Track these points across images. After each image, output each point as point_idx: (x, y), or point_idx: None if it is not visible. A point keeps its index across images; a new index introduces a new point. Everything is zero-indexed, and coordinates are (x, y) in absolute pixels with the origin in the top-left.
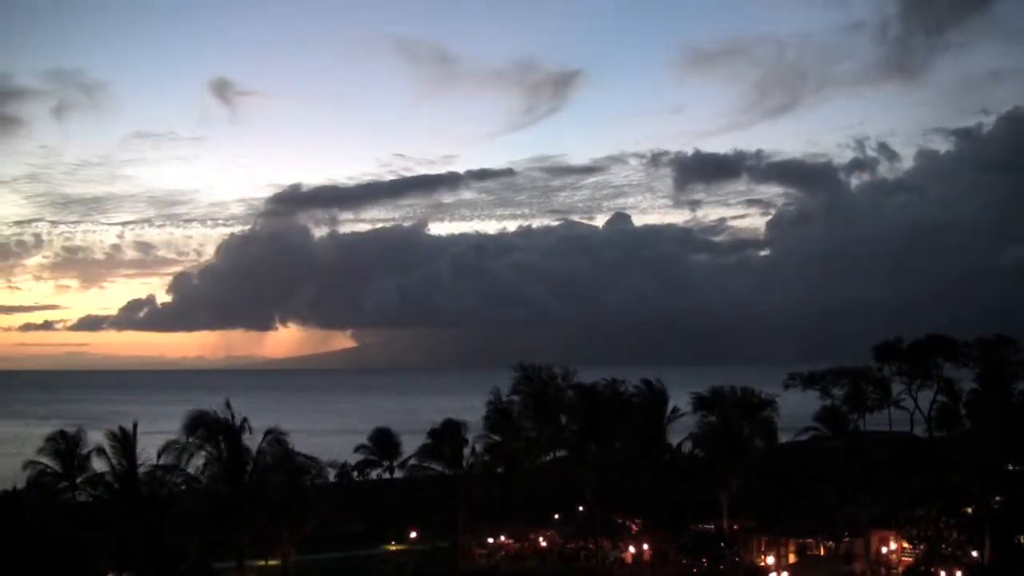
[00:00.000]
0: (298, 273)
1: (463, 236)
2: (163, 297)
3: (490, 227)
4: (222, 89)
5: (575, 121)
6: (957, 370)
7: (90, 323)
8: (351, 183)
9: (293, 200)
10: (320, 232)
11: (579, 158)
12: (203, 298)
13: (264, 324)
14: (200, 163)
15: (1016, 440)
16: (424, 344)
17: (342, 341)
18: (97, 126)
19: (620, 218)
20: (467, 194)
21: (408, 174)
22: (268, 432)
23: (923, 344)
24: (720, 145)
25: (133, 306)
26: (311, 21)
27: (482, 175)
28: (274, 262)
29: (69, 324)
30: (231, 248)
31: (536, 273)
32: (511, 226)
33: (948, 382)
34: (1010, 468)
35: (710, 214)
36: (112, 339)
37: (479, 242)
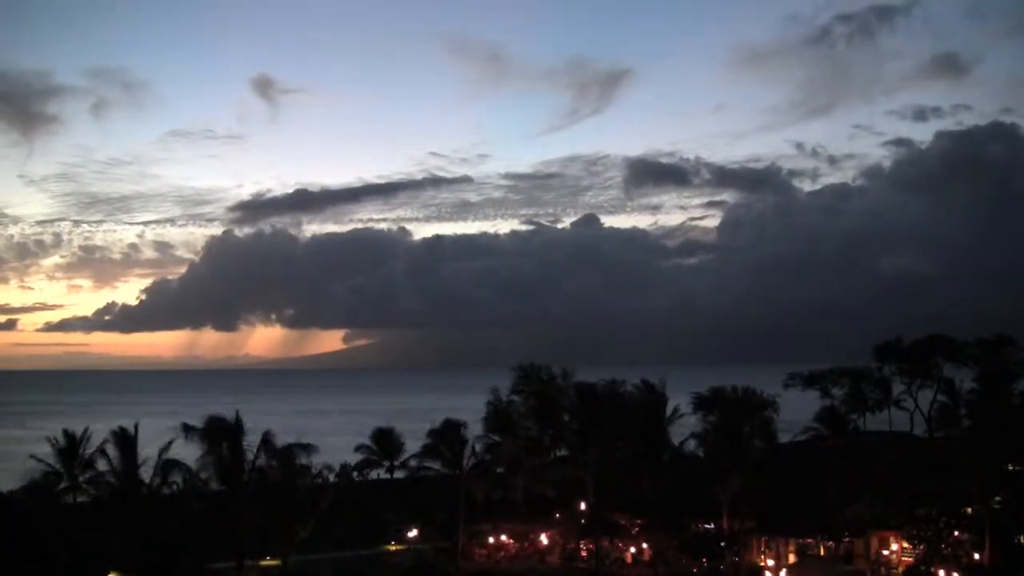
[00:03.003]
0: (281, 275)
1: (437, 239)
2: (147, 298)
3: (459, 229)
4: (264, 87)
5: (617, 121)
6: (957, 370)
7: (63, 324)
8: (381, 181)
9: (272, 204)
10: (300, 234)
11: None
12: (197, 298)
13: (238, 324)
14: (233, 162)
15: (1016, 440)
16: (390, 345)
17: (331, 342)
18: (135, 124)
19: (588, 220)
20: (429, 199)
21: (441, 173)
22: (266, 432)
23: (923, 344)
24: (756, 146)
25: (109, 308)
26: (359, 18)
27: (436, 182)
28: (256, 265)
29: (37, 327)
30: (211, 249)
31: (499, 276)
32: (486, 227)
33: (948, 382)
34: (1010, 468)
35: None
36: (84, 340)
37: (441, 244)
